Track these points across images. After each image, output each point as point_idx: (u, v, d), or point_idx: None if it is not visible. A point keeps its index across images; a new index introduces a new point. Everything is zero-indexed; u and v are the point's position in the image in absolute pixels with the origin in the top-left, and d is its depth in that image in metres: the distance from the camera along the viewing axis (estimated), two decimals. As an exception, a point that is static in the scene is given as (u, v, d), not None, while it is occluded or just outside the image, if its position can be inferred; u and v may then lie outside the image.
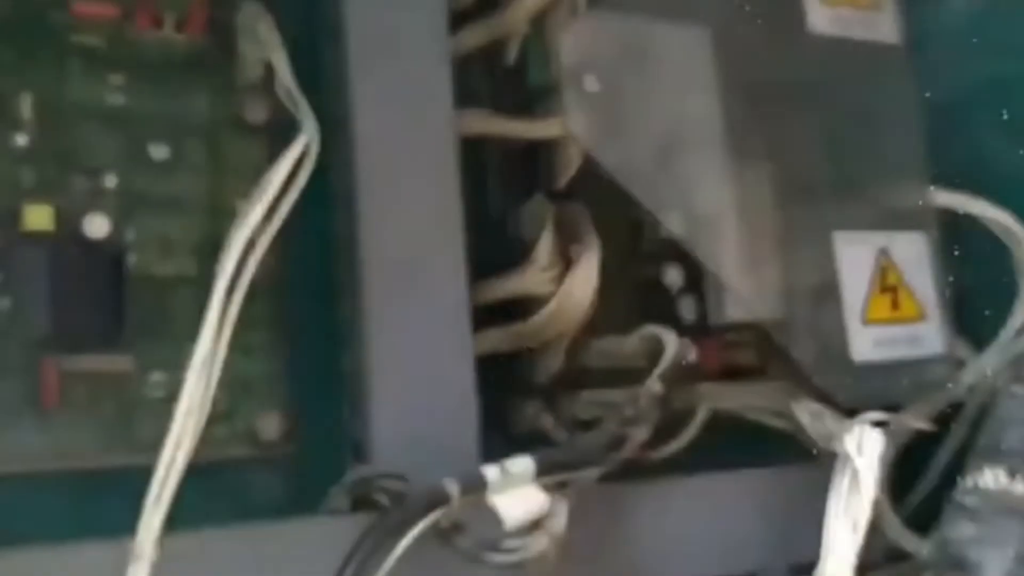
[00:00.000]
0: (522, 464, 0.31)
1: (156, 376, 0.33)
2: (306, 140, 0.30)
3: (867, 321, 0.39)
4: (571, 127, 0.36)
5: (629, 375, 0.38)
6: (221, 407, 0.34)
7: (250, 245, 0.28)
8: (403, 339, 0.35)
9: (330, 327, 0.36)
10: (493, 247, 0.39)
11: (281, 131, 0.36)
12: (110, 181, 0.33)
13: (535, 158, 0.40)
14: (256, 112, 0.36)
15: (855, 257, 0.39)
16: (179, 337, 0.34)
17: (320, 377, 0.36)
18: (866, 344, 0.38)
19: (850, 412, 0.37)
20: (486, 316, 0.37)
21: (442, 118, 0.37)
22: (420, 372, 0.35)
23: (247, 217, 0.28)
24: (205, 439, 0.34)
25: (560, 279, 0.36)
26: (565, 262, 0.36)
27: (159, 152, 0.34)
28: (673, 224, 0.38)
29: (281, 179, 0.29)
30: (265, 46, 0.34)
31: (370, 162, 0.35)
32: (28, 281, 0.31)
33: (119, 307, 0.31)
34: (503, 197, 0.40)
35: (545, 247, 0.36)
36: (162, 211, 0.34)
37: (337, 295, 0.36)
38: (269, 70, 0.35)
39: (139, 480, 0.32)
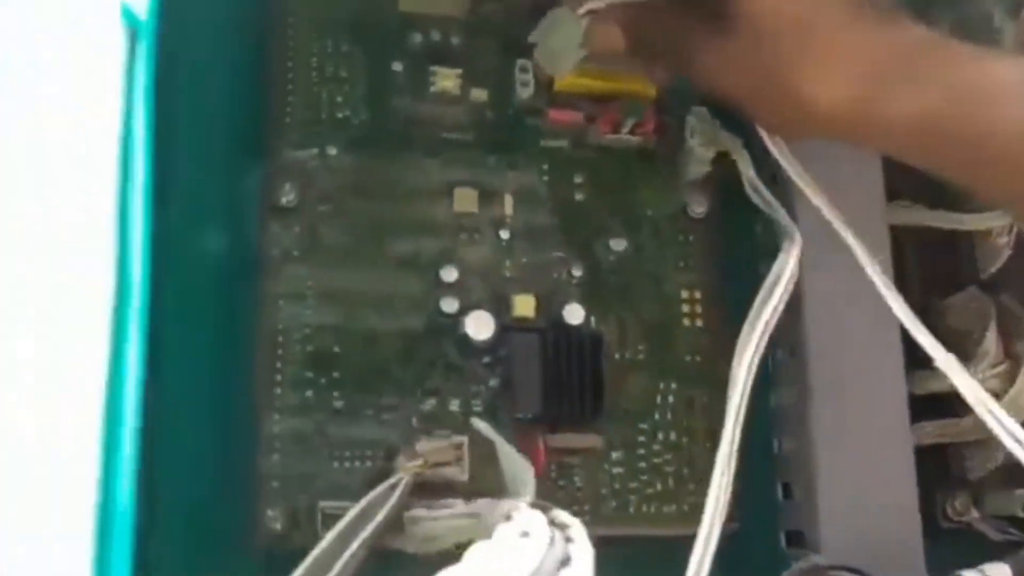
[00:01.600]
0: (1000, 571, 0.29)
1: (617, 454, 0.34)
2: (799, 243, 0.30)
3: None
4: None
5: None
6: (668, 487, 0.34)
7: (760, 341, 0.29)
8: (844, 428, 0.34)
9: (765, 413, 0.35)
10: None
11: (718, 222, 0.37)
12: (577, 270, 0.35)
13: (954, 249, 0.39)
14: (699, 205, 0.36)
15: None
16: (634, 416, 0.34)
17: (757, 460, 0.35)
18: None
19: None
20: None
21: (875, 210, 0.36)
22: (862, 462, 0.34)
23: (759, 317, 0.28)
24: (651, 516, 0.34)
25: (1009, 375, 0.34)
26: (1012, 358, 0.34)
27: (618, 244, 0.35)
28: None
29: (785, 280, 0.29)
30: (724, 146, 0.34)
31: (812, 253, 0.34)
32: (519, 364, 0.32)
33: (598, 389, 0.32)
34: (921, 287, 0.39)
35: (992, 343, 0.34)
36: (620, 299, 0.35)
37: (775, 382, 0.36)
38: (713, 167, 0.36)
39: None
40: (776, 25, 0.28)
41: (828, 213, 0.31)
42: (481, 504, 0.24)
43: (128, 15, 0.27)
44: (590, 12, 0.32)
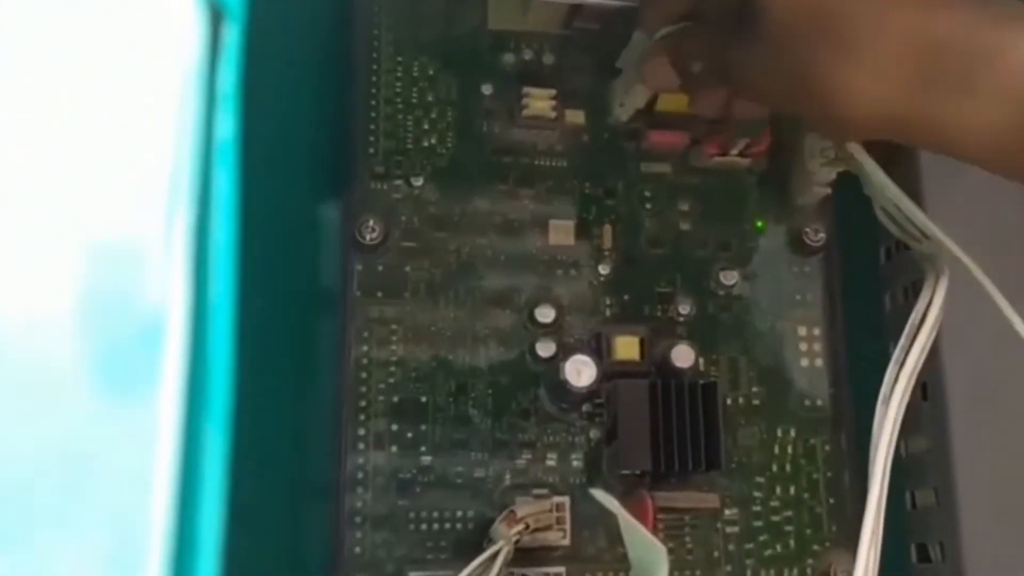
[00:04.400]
0: None
1: (731, 511, 0.29)
2: (946, 277, 0.25)
3: None
4: None
5: None
6: (789, 548, 0.30)
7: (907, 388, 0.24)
8: (990, 480, 0.29)
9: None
10: None
11: (837, 251, 0.32)
12: (684, 308, 0.30)
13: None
14: (816, 232, 0.32)
15: None
16: (749, 470, 0.30)
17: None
18: None
19: None
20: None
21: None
22: (1012, 520, 0.28)
23: (905, 360, 0.24)
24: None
25: None
26: None
27: (728, 278, 0.31)
28: None
29: (932, 320, 0.24)
30: (851, 167, 0.29)
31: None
32: (625, 414, 0.28)
33: (713, 442, 0.28)
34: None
35: None
36: (732, 338, 0.31)
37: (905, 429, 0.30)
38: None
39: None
40: (796, 15, 0.22)
41: (963, 256, 0.25)
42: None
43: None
44: (666, 36, 0.27)
